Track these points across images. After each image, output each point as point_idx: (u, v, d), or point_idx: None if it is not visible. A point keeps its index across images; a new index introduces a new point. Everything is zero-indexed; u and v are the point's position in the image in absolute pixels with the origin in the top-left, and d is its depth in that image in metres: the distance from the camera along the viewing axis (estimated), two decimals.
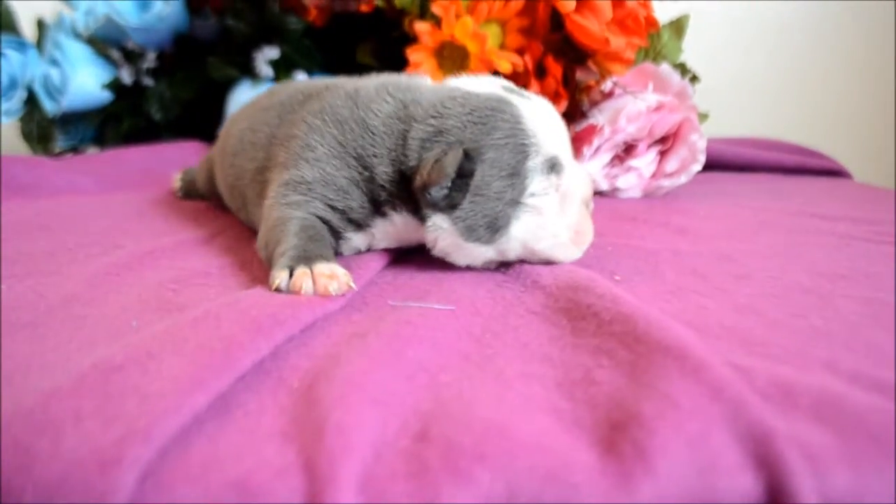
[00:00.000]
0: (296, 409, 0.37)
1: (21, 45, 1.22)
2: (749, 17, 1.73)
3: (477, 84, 0.62)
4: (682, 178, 0.99)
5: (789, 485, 0.32)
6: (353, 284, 0.53)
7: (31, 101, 1.24)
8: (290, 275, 0.53)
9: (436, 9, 0.92)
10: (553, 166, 0.58)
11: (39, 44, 1.26)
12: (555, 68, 0.93)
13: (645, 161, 0.98)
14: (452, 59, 0.94)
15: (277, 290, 0.52)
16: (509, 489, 0.32)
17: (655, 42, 1.09)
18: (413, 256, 0.66)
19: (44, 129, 1.26)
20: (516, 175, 0.57)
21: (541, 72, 0.95)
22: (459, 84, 0.62)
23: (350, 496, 0.31)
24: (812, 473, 0.33)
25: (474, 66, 0.91)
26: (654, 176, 1.00)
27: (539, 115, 0.59)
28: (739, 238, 0.76)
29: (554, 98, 0.94)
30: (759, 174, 1.27)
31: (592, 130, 0.93)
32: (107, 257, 0.68)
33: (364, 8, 1.09)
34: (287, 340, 0.45)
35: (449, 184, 0.55)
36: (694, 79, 1.11)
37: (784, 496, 0.32)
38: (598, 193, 1.01)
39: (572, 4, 0.89)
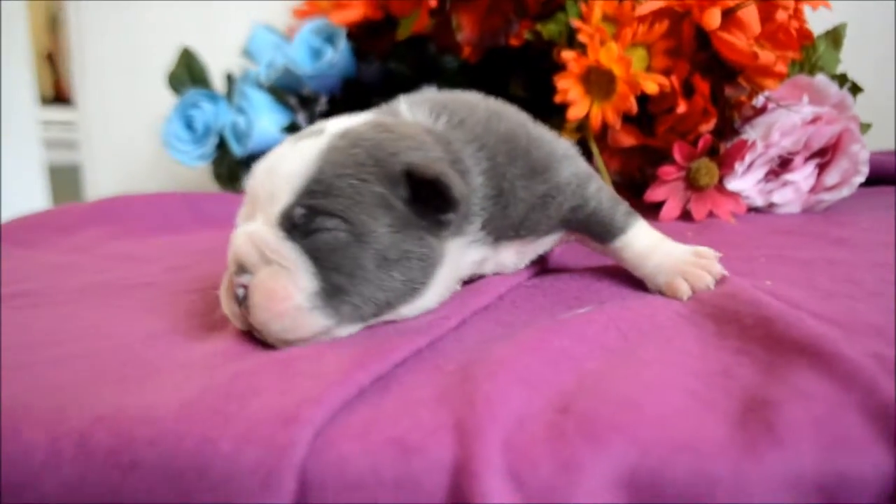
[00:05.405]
0: (448, 384, 0.41)
1: (213, 98, 1.39)
2: None
3: (336, 123, 0.58)
4: (844, 191, 0.95)
5: None
6: None
7: (222, 145, 1.40)
8: None
9: (581, 37, 0.96)
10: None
11: (229, 94, 1.43)
12: (702, 86, 0.93)
13: (802, 174, 0.96)
14: (599, 83, 0.96)
15: None
16: (640, 455, 0.34)
17: (811, 54, 1.06)
18: (567, 263, 0.71)
19: (232, 170, 1.42)
20: None
21: (689, 90, 0.96)
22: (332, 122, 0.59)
23: (495, 454, 0.35)
24: None
25: (621, 88, 0.93)
26: (813, 189, 0.97)
27: (268, 163, 0.55)
28: None
29: (702, 116, 0.95)
30: None
31: (743, 146, 0.92)
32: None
33: (514, 42, 1.15)
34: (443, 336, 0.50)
35: None
36: (856, 89, 1.07)
37: None
38: (753, 210, 0.99)
39: (717, 21, 0.89)
